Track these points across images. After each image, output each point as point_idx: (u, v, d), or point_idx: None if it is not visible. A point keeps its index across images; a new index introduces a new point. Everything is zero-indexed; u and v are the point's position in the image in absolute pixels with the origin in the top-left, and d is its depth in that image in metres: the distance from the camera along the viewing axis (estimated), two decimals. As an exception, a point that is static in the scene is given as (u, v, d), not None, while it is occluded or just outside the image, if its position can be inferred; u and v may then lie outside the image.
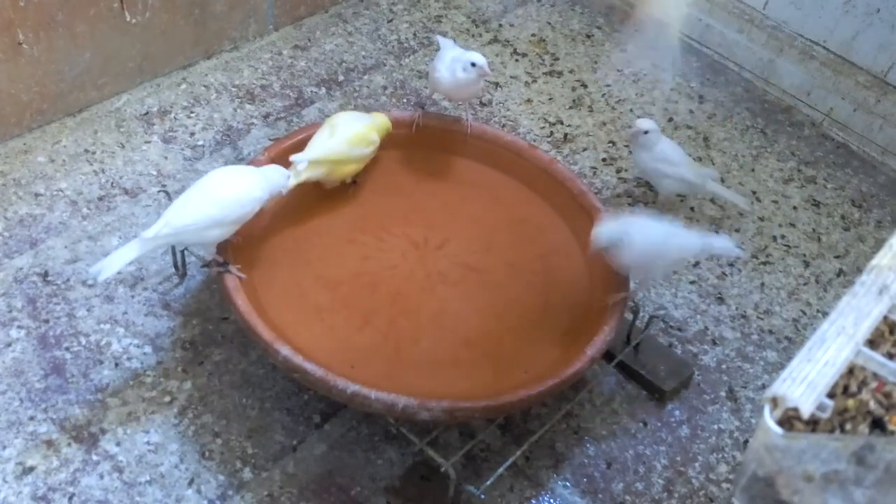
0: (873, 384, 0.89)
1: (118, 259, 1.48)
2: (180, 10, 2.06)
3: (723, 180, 2.08)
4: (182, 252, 1.72)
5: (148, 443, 1.53)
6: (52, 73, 1.92)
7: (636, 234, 1.54)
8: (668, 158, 1.91)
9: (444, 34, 2.36)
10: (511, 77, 2.29)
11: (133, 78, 2.08)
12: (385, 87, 2.18)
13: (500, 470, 1.50)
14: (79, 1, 1.88)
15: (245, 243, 1.61)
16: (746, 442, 1.65)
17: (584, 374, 1.54)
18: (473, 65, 1.77)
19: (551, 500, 1.54)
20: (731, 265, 1.94)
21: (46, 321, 1.66)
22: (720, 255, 1.86)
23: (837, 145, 2.24)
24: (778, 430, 0.82)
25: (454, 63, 1.79)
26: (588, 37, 2.43)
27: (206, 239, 1.56)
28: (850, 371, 0.90)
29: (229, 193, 1.53)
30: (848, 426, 0.86)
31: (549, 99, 2.25)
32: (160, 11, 2.02)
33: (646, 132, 1.89)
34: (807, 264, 1.97)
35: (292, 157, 1.67)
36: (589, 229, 1.68)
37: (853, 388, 0.89)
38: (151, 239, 1.48)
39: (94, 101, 2.03)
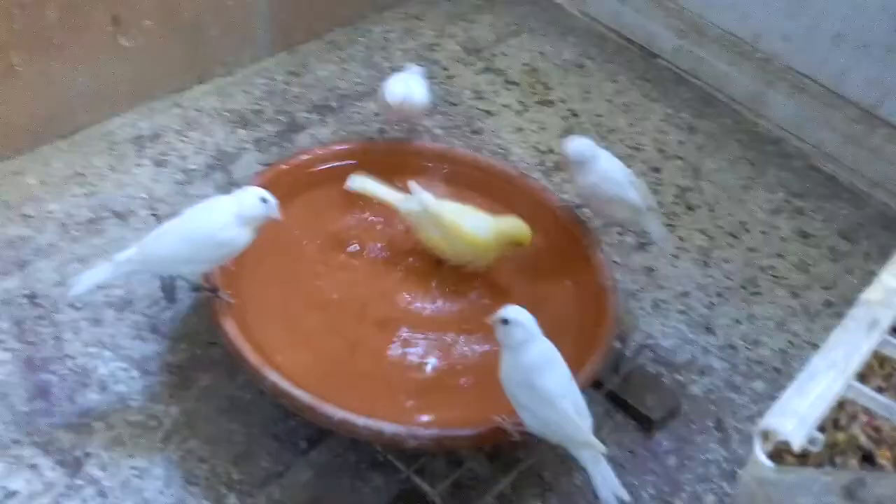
0: (864, 418, 0.89)
1: (88, 278, 1.49)
2: (174, 35, 2.06)
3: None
4: (171, 276, 1.71)
5: (133, 468, 1.51)
6: (45, 96, 1.92)
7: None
8: (610, 178, 1.72)
9: (438, 62, 2.37)
10: (503, 105, 2.30)
11: (126, 101, 2.08)
12: (377, 115, 2.18)
13: (488, 498, 1.49)
14: (73, 24, 1.88)
15: (235, 268, 1.60)
16: (734, 472, 1.65)
17: (573, 403, 1.54)
18: (390, 106, 1.79)
19: (539, 530, 1.53)
20: (720, 295, 1.94)
21: (33, 343, 1.65)
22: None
23: (826, 177, 2.26)
24: (769, 463, 0.82)
25: (383, 88, 1.82)
26: (579, 67, 2.45)
27: (181, 272, 1.56)
28: (841, 405, 0.90)
29: (201, 233, 1.49)
30: (838, 460, 0.86)
31: (541, 128, 2.25)
32: (154, 36, 2.02)
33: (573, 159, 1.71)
34: (795, 295, 1.97)
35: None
36: (579, 259, 1.69)
37: (843, 422, 0.89)
38: (122, 263, 1.48)
39: (87, 123, 2.03)
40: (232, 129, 2.11)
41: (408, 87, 1.81)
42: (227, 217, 1.48)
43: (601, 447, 1.38)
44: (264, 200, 1.49)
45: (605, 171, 1.71)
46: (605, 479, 1.38)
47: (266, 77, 2.25)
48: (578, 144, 1.73)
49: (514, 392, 1.39)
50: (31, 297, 1.71)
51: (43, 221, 1.85)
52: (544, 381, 1.35)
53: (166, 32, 2.05)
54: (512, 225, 1.68)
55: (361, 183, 1.75)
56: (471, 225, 1.68)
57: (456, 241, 1.68)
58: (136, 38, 2.00)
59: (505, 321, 1.37)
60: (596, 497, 1.41)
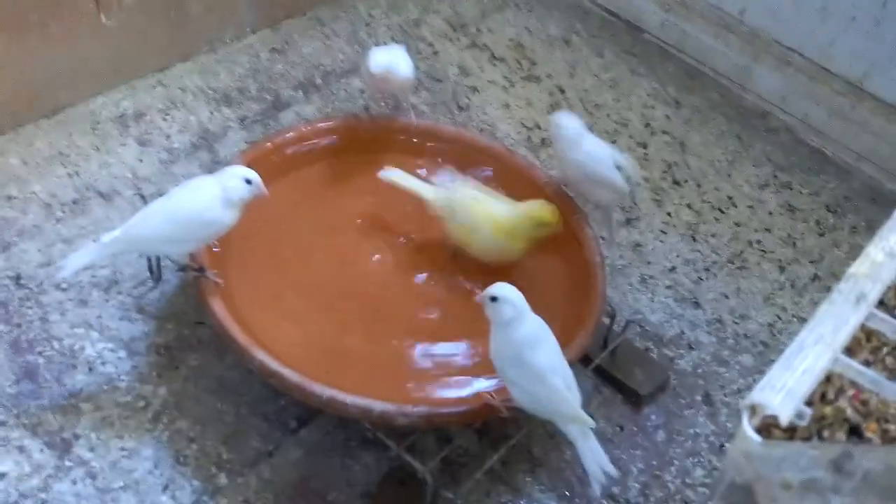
0: (851, 392, 0.90)
1: (75, 260, 1.50)
2: (156, 12, 2.04)
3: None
4: (157, 256, 1.70)
5: (122, 448, 1.51)
6: (25, 75, 1.90)
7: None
8: (596, 157, 1.69)
9: (423, 38, 2.36)
10: (489, 82, 2.29)
11: (108, 80, 2.06)
12: (363, 91, 2.17)
13: (478, 475, 1.49)
14: (53, 2, 1.86)
15: (222, 247, 1.60)
16: (722, 446, 1.66)
17: (562, 379, 1.54)
18: (373, 75, 1.76)
19: (528, 506, 1.54)
20: (707, 270, 1.95)
21: (19, 325, 1.64)
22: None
23: (812, 151, 2.26)
24: (756, 437, 0.83)
25: (366, 61, 1.79)
26: (565, 42, 2.44)
27: (167, 253, 1.57)
28: (828, 379, 0.90)
29: (185, 213, 1.49)
30: (826, 434, 0.87)
31: (527, 103, 2.25)
32: (136, 13, 2.00)
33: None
34: (782, 269, 1.98)
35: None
36: (567, 235, 1.69)
37: (831, 395, 0.89)
38: (107, 244, 1.49)
39: (69, 103, 2.01)
40: (216, 107, 2.09)
41: (392, 57, 1.79)
42: (212, 197, 1.48)
43: (590, 422, 1.38)
44: (248, 181, 1.48)
45: (591, 150, 1.69)
46: (593, 453, 1.39)
47: (250, 54, 2.23)
48: (567, 120, 1.71)
49: (503, 368, 1.39)
50: (16, 279, 1.70)
51: (27, 202, 1.83)
52: (534, 357, 1.35)
53: (148, 10, 2.02)
54: (536, 205, 1.64)
55: (393, 175, 1.73)
56: (498, 210, 1.65)
57: (483, 229, 1.64)
58: (117, 16, 1.98)
59: (494, 298, 1.37)
60: (584, 472, 1.41)
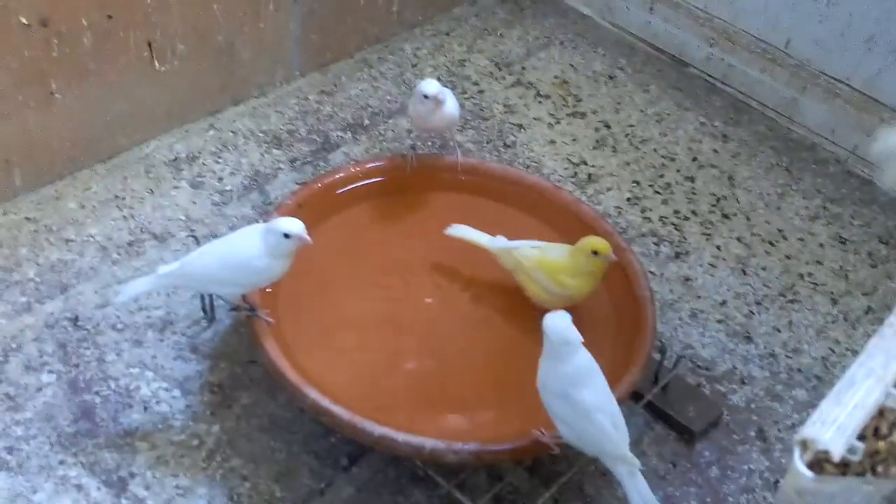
0: (904, 426, 0.89)
1: (133, 287, 1.57)
2: (208, 58, 2.10)
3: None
4: (210, 296, 1.73)
5: (177, 486, 1.53)
6: (83, 121, 1.96)
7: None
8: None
9: (468, 77, 2.38)
10: (535, 119, 2.30)
11: (162, 124, 2.11)
12: (410, 132, 2.19)
13: (529, 512, 1.49)
14: (110, 50, 1.92)
15: (273, 287, 1.62)
16: (777, 482, 1.64)
17: (612, 415, 1.53)
18: (426, 97, 1.78)
19: (580, 543, 1.53)
20: (758, 303, 1.93)
21: (76, 366, 1.68)
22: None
23: (863, 182, 2.24)
24: (808, 473, 0.82)
25: (414, 96, 1.81)
26: (610, 77, 2.45)
27: (219, 293, 1.60)
28: (881, 413, 0.89)
29: (236, 259, 1.52)
30: (879, 469, 0.86)
31: (573, 140, 2.26)
32: (188, 60, 2.06)
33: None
34: (834, 302, 1.96)
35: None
36: (615, 270, 1.69)
37: (884, 430, 0.88)
38: (164, 276, 1.55)
39: (124, 147, 2.06)
40: (267, 149, 2.13)
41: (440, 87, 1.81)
42: (260, 247, 1.50)
43: (637, 462, 1.37)
44: (286, 235, 1.49)
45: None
46: (640, 494, 1.38)
47: (299, 97, 2.27)
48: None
49: (550, 402, 1.39)
50: (74, 321, 1.74)
51: (83, 245, 1.88)
52: (581, 394, 1.35)
53: (200, 56, 2.08)
54: (586, 238, 1.65)
55: (460, 231, 1.75)
56: (555, 254, 1.65)
57: (543, 278, 1.64)
58: (170, 62, 2.03)
59: (550, 327, 1.35)
60: None
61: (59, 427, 1.59)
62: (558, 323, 1.35)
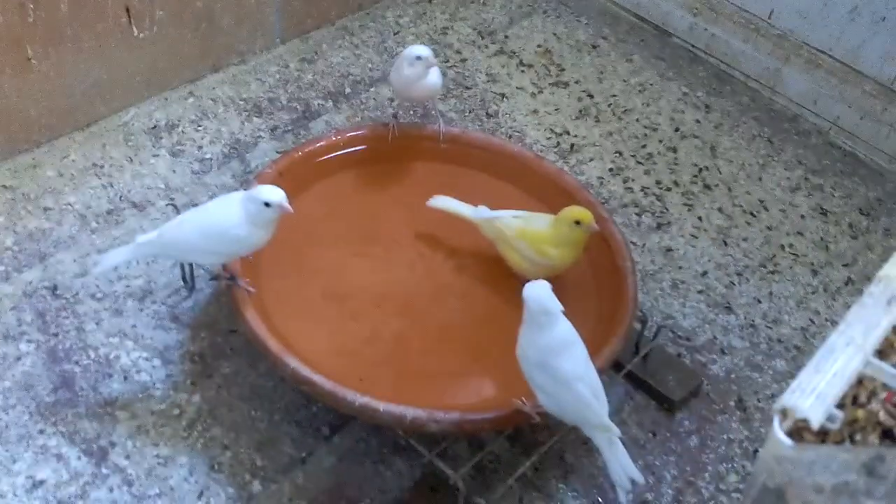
0: (883, 395, 0.89)
1: (113, 256, 1.55)
2: (187, 25, 2.07)
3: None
4: (190, 265, 1.72)
5: (157, 456, 1.53)
6: (60, 88, 1.93)
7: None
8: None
9: (451, 46, 2.37)
10: (517, 88, 2.29)
11: (141, 92, 2.09)
12: (391, 100, 2.18)
13: (510, 481, 1.49)
14: (87, 16, 1.89)
15: (254, 256, 1.61)
16: (756, 451, 1.65)
17: (593, 384, 1.54)
18: (419, 58, 1.76)
19: (561, 512, 1.54)
20: (739, 274, 1.94)
21: (56, 335, 1.67)
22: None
23: (845, 154, 2.24)
24: (788, 441, 0.82)
25: (401, 61, 1.79)
26: (594, 47, 2.44)
27: (199, 261, 1.59)
28: (860, 382, 0.90)
29: (216, 227, 1.50)
30: (858, 437, 0.86)
31: (556, 109, 2.25)
32: (167, 26, 2.03)
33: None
34: (815, 273, 1.97)
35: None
36: (597, 240, 1.69)
37: (863, 398, 0.89)
38: (143, 245, 1.53)
39: (103, 115, 2.04)
40: (247, 117, 2.11)
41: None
42: (240, 216, 1.48)
43: (616, 430, 1.38)
44: (267, 204, 1.46)
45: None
46: (619, 461, 1.38)
47: (279, 64, 2.25)
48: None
49: (530, 372, 1.39)
50: (53, 289, 1.73)
51: (62, 213, 1.86)
52: (561, 363, 1.35)
53: (179, 22, 2.05)
54: (567, 208, 1.64)
55: (442, 202, 1.74)
56: (538, 224, 1.65)
57: (525, 247, 1.64)
58: (149, 28, 2.00)
59: (530, 297, 1.35)
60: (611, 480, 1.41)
61: (38, 396, 1.58)
62: (538, 292, 1.35)
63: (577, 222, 1.61)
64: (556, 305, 1.35)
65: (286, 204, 1.48)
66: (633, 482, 1.39)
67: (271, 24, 2.25)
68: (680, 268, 1.94)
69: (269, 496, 1.50)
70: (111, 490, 1.48)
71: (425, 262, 1.74)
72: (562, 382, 1.35)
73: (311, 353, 1.52)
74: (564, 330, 1.37)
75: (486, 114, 2.21)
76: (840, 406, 0.86)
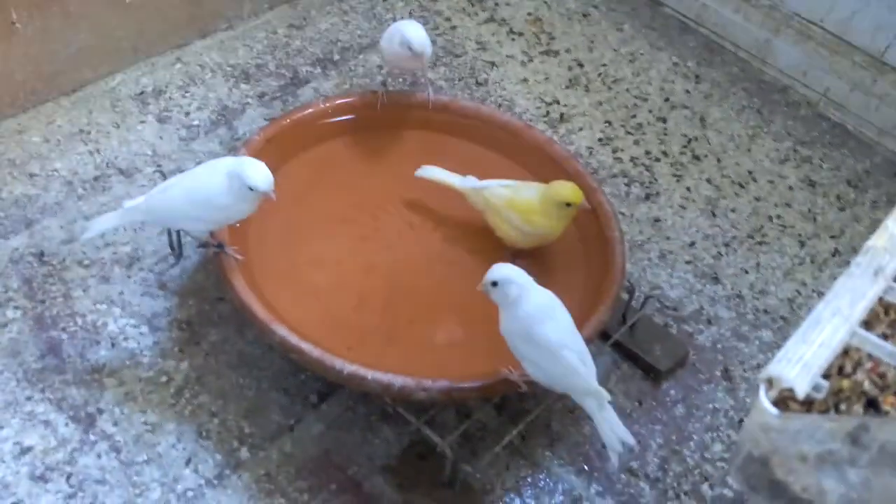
0: (868, 365, 0.90)
1: (100, 223, 1.55)
2: (175, -11, 2.05)
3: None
4: (178, 232, 1.71)
5: (145, 422, 1.53)
6: (46, 52, 1.91)
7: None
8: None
9: (440, 13, 2.35)
10: (507, 56, 2.28)
11: (128, 57, 2.07)
12: (380, 67, 2.17)
13: (497, 449, 1.50)
14: (73, -21, 1.87)
15: (242, 223, 1.61)
16: (741, 421, 1.66)
17: (580, 354, 1.55)
18: (411, 49, 1.75)
19: (547, 479, 1.55)
20: (727, 245, 1.94)
21: (42, 301, 1.66)
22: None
23: (834, 125, 2.24)
24: (773, 410, 0.83)
25: (395, 33, 1.78)
26: (584, 16, 2.42)
27: (186, 228, 1.58)
28: (846, 352, 0.90)
29: (203, 194, 1.49)
30: (843, 406, 0.87)
31: (546, 78, 2.24)
32: (155, -10, 2.01)
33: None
34: (802, 244, 1.97)
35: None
36: (585, 212, 1.69)
37: (848, 368, 0.90)
38: (130, 211, 1.53)
39: (89, 80, 2.02)
40: (235, 83, 2.10)
41: (424, 34, 1.77)
42: (225, 185, 1.47)
43: (605, 395, 1.39)
44: (251, 189, 1.45)
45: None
46: (610, 425, 1.40)
47: (267, 30, 2.23)
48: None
49: (515, 344, 1.40)
50: (39, 256, 1.72)
51: (48, 179, 1.85)
52: (544, 331, 1.36)
53: (167, -13, 2.03)
54: (556, 186, 1.63)
55: (430, 172, 1.74)
56: (526, 195, 1.64)
57: (514, 217, 1.64)
58: (136, -7, 1.98)
59: (495, 283, 1.38)
60: (603, 445, 1.42)
61: (25, 363, 1.58)
62: (502, 270, 1.38)
63: (568, 205, 1.61)
64: (523, 277, 1.37)
65: (271, 191, 1.46)
66: (624, 445, 1.40)
67: (260, -11, 2.23)
68: (668, 238, 1.94)
69: (256, 463, 1.51)
70: (99, 456, 1.48)
71: (414, 231, 1.74)
72: (547, 351, 1.36)
73: (299, 321, 1.52)
74: (542, 298, 1.38)
75: (476, 82, 2.20)
76: (826, 376, 0.86)
